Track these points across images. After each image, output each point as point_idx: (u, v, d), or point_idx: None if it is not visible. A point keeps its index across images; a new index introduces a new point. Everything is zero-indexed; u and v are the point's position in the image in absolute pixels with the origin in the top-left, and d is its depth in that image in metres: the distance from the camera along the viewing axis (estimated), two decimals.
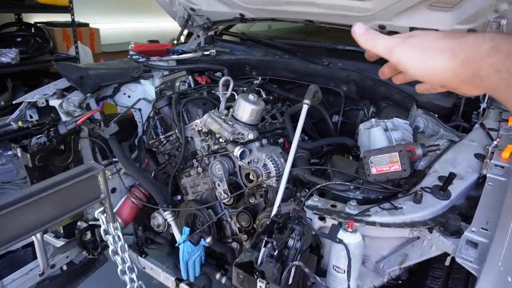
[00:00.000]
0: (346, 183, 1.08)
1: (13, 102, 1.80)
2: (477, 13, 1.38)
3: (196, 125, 1.47)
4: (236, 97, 1.41)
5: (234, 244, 1.53)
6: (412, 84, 1.68)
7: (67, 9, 3.29)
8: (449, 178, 0.96)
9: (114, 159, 1.76)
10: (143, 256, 1.70)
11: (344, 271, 0.89)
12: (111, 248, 1.12)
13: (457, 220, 0.84)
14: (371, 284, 1.05)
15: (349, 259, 0.85)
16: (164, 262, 1.67)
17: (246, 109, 1.36)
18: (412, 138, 1.29)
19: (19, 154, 1.43)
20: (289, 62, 2.03)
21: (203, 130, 1.46)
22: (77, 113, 1.63)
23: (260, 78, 1.88)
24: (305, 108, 1.25)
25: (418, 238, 0.97)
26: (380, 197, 1.07)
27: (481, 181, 1.05)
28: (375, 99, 1.68)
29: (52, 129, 1.54)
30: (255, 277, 0.83)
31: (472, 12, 1.38)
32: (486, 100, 1.54)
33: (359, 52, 1.95)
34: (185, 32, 2.71)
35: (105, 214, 0.97)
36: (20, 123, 1.81)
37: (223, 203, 1.45)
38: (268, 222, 0.98)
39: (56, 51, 3.45)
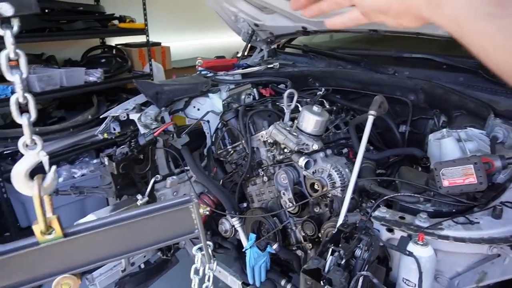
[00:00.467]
0: (416, 195, 1.06)
1: (100, 117, 2.02)
2: None
3: (261, 136, 1.53)
4: (300, 108, 1.45)
5: (299, 252, 1.55)
6: (489, 92, 1.58)
7: (143, 31, 3.60)
8: None
9: (185, 168, 1.89)
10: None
11: (415, 284, 0.87)
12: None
13: None
14: None
15: (420, 273, 0.84)
16: (231, 266, 1.74)
17: (311, 120, 1.39)
18: (489, 149, 1.22)
19: (106, 163, 1.61)
20: (352, 72, 2.02)
21: (269, 141, 1.52)
22: (154, 126, 1.78)
23: (323, 89, 1.89)
24: (370, 119, 1.25)
25: (499, 255, 0.91)
26: (453, 210, 1.02)
27: None
28: (446, 108, 1.60)
29: (133, 141, 1.71)
30: (322, 284, 0.84)
31: None
32: None
33: (427, 59, 1.88)
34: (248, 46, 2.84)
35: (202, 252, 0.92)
36: (105, 135, 2.02)
37: (288, 211, 1.49)
38: (334, 231, 1.00)
39: (134, 69, 3.78)
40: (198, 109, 2.06)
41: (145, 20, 3.64)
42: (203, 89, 1.99)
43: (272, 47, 2.62)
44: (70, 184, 3.02)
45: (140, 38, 3.98)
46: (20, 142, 0.69)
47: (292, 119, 1.51)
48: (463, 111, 1.53)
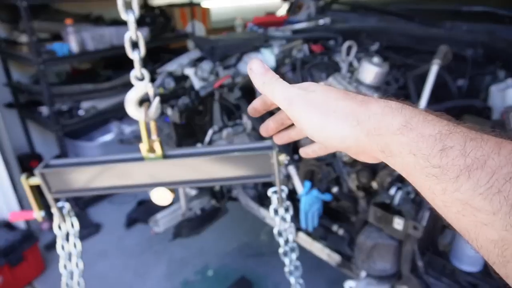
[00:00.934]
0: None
1: (157, 71, 2.12)
2: None
3: None
4: (357, 63, 1.48)
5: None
6: None
7: None
8: None
9: (238, 121, 1.98)
10: (264, 206, 1.91)
11: None
12: (275, 229, 1.09)
13: None
14: None
15: None
16: None
17: (370, 71, 1.42)
18: None
19: (169, 113, 1.72)
20: (406, 27, 1.99)
21: None
22: (211, 79, 1.87)
23: (377, 44, 1.89)
24: (435, 68, 1.26)
25: None
26: None
27: None
28: (509, 61, 1.58)
29: (192, 92, 1.80)
30: (392, 215, 0.92)
31: None
32: None
33: (488, 13, 1.83)
34: (285, 5, 2.81)
35: (276, 195, 0.96)
36: (161, 90, 2.13)
37: (343, 161, 1.55)
38: (390, 179, 1.06)
39: (176, 29, 3.85)
40: None
41: None
42: (256, 44, 2.03)
43: (320, 4, 2.59)
44: (119, 138, 3.22)
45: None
46: (132, 74, 0.79)
47: (351, 72, 1.54)
48: None
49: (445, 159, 0.31)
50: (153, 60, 3.73)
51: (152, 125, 0.82)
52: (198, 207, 2.01)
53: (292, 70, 1.68)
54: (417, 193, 0.95)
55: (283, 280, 1.10)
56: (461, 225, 0.31)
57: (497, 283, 0.90)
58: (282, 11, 3.53)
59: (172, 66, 2.09)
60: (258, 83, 0.46)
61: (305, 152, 0.56)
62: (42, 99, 2.98)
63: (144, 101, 0.85)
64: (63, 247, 0.96)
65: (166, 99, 1.97)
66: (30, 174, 0.96)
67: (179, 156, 0.87)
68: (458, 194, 0.30)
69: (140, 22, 3.64)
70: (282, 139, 0.56)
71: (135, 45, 0.78)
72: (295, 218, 1.76)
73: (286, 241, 1.13)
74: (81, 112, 2.98)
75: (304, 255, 1.80)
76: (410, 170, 0.34)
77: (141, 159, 0.85)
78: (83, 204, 3.02)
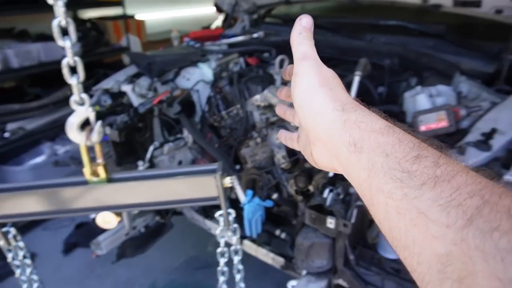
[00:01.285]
0: None
1: (93, 88, 2.07)
2: None
3: (256, 100, 1.66)
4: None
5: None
6: (453, 54, 1.77)
7: (119, 3, 3.56)
8: (490, 133, 1.09)
9: (179, 135, 2.00)
10: (208, 218, 1.94)
11: None
12: (219, 249, 1.11)
13: (496, 165, 0.98)
14: None
15: None
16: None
17: None
18: (456, 103, 1.41)
19: (108, 131, 1.69)
20: (332, 39, 2.16)
21: (262, 104, 1.64)
22: (150, 95, 1.87)
23: None
24: (356, 79, 1.40)
25: None
26: None
27: None
28: (418, 69, 1.79)
29: (131, 109, 1.79)
30: (325, 215, 1.01)
31: None
32: None
33: (401, 27, 2.05)
34: (221, 17, 2.89)
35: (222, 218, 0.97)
36: (97, 107, 2.08)
37: (281, 168, 1.64)
38: (325, 182, 1.16)
39: (110, 43, 3.74)
40: (188, 79, 2.14)
41: None
42: (193, 59, 2.07)
43: (254, 17, 2.70)
44: (52, 160, 3.05)
45: (114, 11, 3.91)
46: (72, 100, 0.80)
47: (283, 84, 1.64)
48: (433, 72, 1.71)
49: (416, 165, 0.31)
50: (87, 77, 3.59)
51: (97, 149, 0.83)
52: (142, 224, 1.98)
53: (230, 84, 1.75)
54: (346, 194, 1.05)
55: None
56: (408, 236, 0.30)
57: None
58: (218, 22, 3.61)
59: (108, 83, 2.05)
60: (295, 32, 0.45)
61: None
62: None
63: (85, 124, 0.84)
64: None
65: (103, 117, 1.92)
66: None
67: (124, 179, 0.87)
68: (417, 201, 0.30)
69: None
70: (286, 140, 0.55)
71: (73, 69, 0.79)
72: (240, 226, 1.81)
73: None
74: (6, 134, 2.78)
75: (250, 261, 1.86)
76: (375, 169, 0.34)
77: (85, 183, 0.85)
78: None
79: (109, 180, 0.85)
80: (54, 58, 3.04)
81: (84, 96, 0.79)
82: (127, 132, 1.70)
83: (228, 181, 0.86)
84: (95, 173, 0.83)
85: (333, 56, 2.10)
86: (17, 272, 1.04)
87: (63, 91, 3.23)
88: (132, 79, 2.03)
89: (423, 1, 1.79)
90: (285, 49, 2.19)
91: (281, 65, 1.63)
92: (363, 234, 1.14)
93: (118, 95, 2.11)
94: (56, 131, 3.16)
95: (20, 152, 3.06)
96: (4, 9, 2.89)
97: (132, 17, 4.18)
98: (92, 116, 0.80)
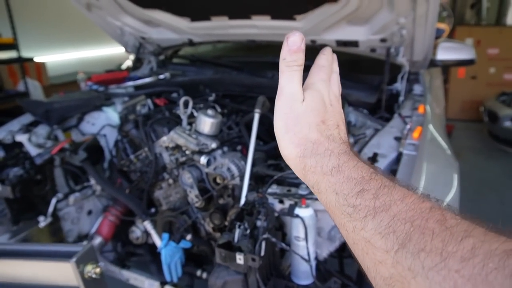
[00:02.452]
0: None
1: None
2: (384, 26, 1.71)
3: (163, 142, 1.65)
4: (196, 113, 1.62)
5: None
6: (344, 87, 1.99)
7: (12, 45, 3.31)
8: (374, 157, 1.24)
9: (86, 184, 1.89)
10: (126, 268, 1.83)
11: (303, 238, 1.12)
12: None
13: None
14: (327, 250, 1.29)
15: (305, 227, 1.09)
16: (146, 271, 1.81)
17: (207, 122, 1.58)
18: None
19: None
20: (237, 77, 2.28)
21: (170, 146, 1.65)
22: (49, 144, 1.75)
23: (214, 94, 2.10)
24: (256, 116, 1.49)
25: None
26: None
27: (399, 157, 1.34)
28: None
29: (26, 161, 1.65)
30: (234, 252, 1.03)
31: (380, 26, 1.71)
32: (403, 93, 1.89)
33: None
34: (131, 57, 2.85)
35: None
36: None
37: (196, 207, 1.64)
38: (238, 210, 1.20)
39: (5, 88, 3.44)
40: (93, 124, 2.06)
41: (14, 33, 3.35)
42: (97, 103, 2.00)
43: (160, 58, 2.72)
44: None
45: (8, 54, 3.63)
46: None
47: (189, 124, 1.67)
48: None
49: (359, 199, 0.36)
50: None
51: None
52: None
53: (136, 127, 1.72)
54: (253, 228, 1.09)
55: None
56: (365, 263, 0.35)
57: None
58: (128, 62, 3.54)
59: (0, 133, 1.87)
60: (282, 55, 0.46)
61: None
62: None
63: None
64: None
65: None
66: None
67: None
68: (364, 232, 0.34)
69: None
70: None
71: None
72: (159, 271, 1.74)
73: None
74: None
75: None
76: (331, 207, 0.39)
77: None
78: None
79: None
80: None
81: None
82: (22, 186, 1.56)
83: (92, 269, 0.67)
84: None
85: (240, 93, 2.21)
86: None
87: None
88: (28, 128, 1.89)
89: (312, 42, 2.00)
90: (192, 87, 2.25)
91: (185, 105, 1.67)
92: (276, 265, 1.18)
93: (13, 146, 1.94)
94: None
95: None
96: None
97: (30, 60, 3.91)
98: None
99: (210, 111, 1.60)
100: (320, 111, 0.46)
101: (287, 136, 0.45)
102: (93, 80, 2.23)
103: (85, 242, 1.83)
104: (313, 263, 1.13)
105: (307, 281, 1.19)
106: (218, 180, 1.56)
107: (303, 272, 1.16)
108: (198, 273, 1.69)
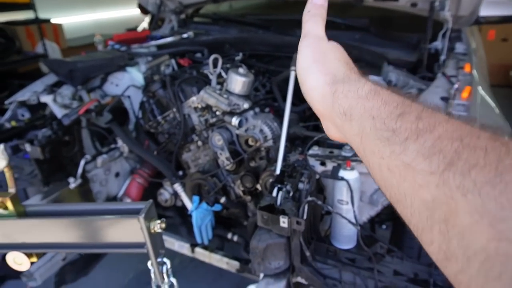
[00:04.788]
0: None
1: (5, 102, 1.83)
2: None
3: (192, 102, 1.59)
4: (224, 73, 1.54)
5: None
6: (379, 45, 1.86)
7: (29, 6, 3.22)
8: None
9: (112, 146, 1.86)
10: None
11: (347, 202, 1.07)
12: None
13: None
14: (368, 215, 1.24)
15: (351, 190, 1.03)
16: (175, 233, 1.81)
17: (238, 81, 1.49)
18: None
19: (28, 149, 1.50)
20: (264, 36, 2.16)
21: (200, 106, 1.58)
22: (75, 105, 1.70)
23: (240, 54, 2.00)
24: (293, 74, 1.40)
25: None
26: None
27: None
28: None
29: (54, 122, 1.61)
30: (276, 215, 0.99)
31: None
32: (445, 52, 1.75)
33: (328, 21, 2.11)
34: (147, 18, 2.74)
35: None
36: (13, 123, 1.86)
37: (226, 170, 1.60)
38: (272, 180, 1.14)
39: (23, 50, 3.38)
40: (117, 85, 2.00)
41: None
42: (121, 63, 1.93)
43: (181, 17, 2.60)
44: None
45: (25, 15, 3.55)
46: None
47: (218, 83, 1.60)
48: (362, 63, 1.79)
49: (399, 122, 0.33)
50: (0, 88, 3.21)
51: (7, 176, 0.70)
52: None
53: (163, 87, 1.65)
54: (295, 191, 1.04)
55: None
56: (400, 190, 0.32)
57: (368, 254, 1.06)
58: (144, 24, 3.43)
59: (24, 94, 1.83)
60: (307, 7, 0.48)
61: None
62: None
63: None
64: None
65: (22, 133, 1.72)
66: None
67: (38, 214, 0.74)
68: (403, 156, 0.31)
69: None
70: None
71: None
72: (189, 234, 1.74)
73: None
74: None
75: (205, 267, 1.80)
76: (365, 133, 0.36)
77: None
78: None
79: (20, 214, 0.72)
80: None
81: None
82: (51, 147, 1.53)
83: (156, 225, 0.69)
84: (2, 205, 0.70)
85: (267, 53, 2.10)
86: None
87: None
88: (52, 89, 1.84)
89: None
90: (217, 47, 2.15)
91: (215, 64, 1.58)
92: (316, 228, 1.14)
93: (38, 108, 1.91)
94: None
95: None
96: None
97: (47, 21, 3.82)
98: None
99: (241, 70, 1.51)
100: (345, 54, 0.46)
101: (314, 66, 0.43)
102: (114, 40, 2.14)
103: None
104: (358, 227, 1.08)
105: (349, 245, 1.14)
106: (250, 142, 1.50)
107: (346, 236, 1.12)
108: (229, 236, 1.67)
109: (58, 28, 3.95)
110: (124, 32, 2.23)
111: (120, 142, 1.76)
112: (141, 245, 0.71)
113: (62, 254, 1.64)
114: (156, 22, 2.51)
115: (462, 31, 1.97)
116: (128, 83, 1.96)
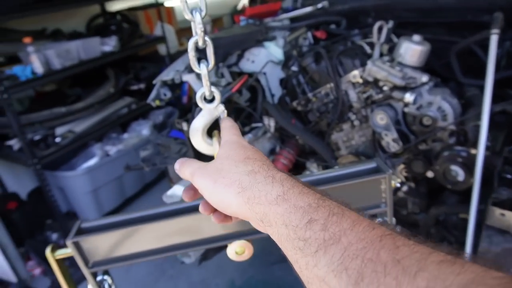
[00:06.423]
0: None
1: (153, 82, 1.88)
2: None
3: (353, 77, 1.43)
4: (399, 40, 1.34)
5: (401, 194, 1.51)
6: None
7: None
8: None
9: (254, 124, 1.79)
10: None
11: None
12: None
13: None
14: None
15: None
16: None
17: (414, 51, 1.29)
18: None
19: (186, 128, 1.50)
20: (412, 1, 1.88)
21: (361, 81, 1.41)
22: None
23: (391, 22, 1.76)
24: (495, 39, 1.15)
25: None
26: None
27: None
28: None
29: None
30: None
31: None
32: None
33: None
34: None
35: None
36: (157, 102, 1.90)
37: (391, 152, 1.42)
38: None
39: (144, 34, 3.54)
40: (253, 61, 1.92)
41: None
42: (259, 38, 1.84)
43: None
44: (105, 162, 2.92)
45: (141, 0, 3.71)
46: (198, 95, 0.60)
47: (382, 55, 1.40)
48: None
49: (309, 232, 0.33)
50: (125, 71, 3.41)
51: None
52: None
53: (315, 61, 1.51)
54: None
55: None
56: None
57: None
58: (244, 1, 3.32)
59: (168, 74, 1.86)
60: (179, 173, 0.51)
61: (217, 217, 0.50)
62: (9, 132, 2.61)
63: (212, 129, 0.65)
64: None
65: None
66: (56, 245, 0.75)
67: None
68: (317, 270, 0.31)
69: (103, 32, 3.30)
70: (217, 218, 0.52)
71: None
72: None
73: None
74: (58, 139, 2.65)
75: None
76: (283, 241, 0.36)
77: None
78: None
79: None
80: (93, 56, 2.87)
81: (215, 90, 0.59)
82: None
83: (397, 180, 0.75)
84: None
85: (415, 20, 1.83)
86: None
87: (105, 89, 3.07)
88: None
89: None
90: (355, 17, 1.94)
91: (379, 31, 1.39)
92: None
93: (176, 87, 1.93)
94: (103, 131, 3.03)
95: (71, 156, 2.94)
96: (35, 8, 2.69)
97: (162, 4, 3.95)
98: (224, 115, 0.61)
99: (416, 37, 1.30)
100: (240, 152, 0.46)
101: (217, 185, 0.43)
102: (247, 14, 2.07)
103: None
104: None
105: None
106: (425, 122, 1.30)
107: None
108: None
109: (171, 10, 4.07)
110: (256, 6, 2.14)
111: (266, 120, 1.68)
112: (377, 205, 0.72)
113: None
114: None
115: None
116: (265, 59, 1.87)
